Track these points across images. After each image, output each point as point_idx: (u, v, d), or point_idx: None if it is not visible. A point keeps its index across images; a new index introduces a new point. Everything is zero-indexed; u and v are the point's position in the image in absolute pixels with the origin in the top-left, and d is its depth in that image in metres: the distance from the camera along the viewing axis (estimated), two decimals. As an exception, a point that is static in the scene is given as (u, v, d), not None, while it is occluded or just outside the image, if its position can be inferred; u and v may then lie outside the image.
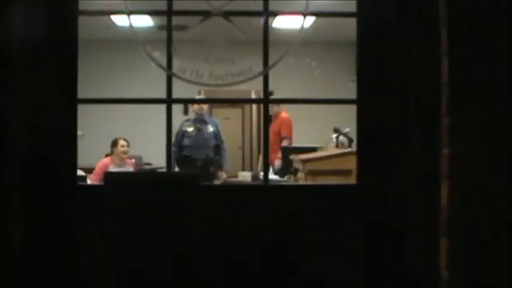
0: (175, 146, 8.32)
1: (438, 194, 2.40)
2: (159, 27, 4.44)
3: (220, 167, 8.58)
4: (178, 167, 8.31)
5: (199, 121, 8.58)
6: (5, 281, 2.48)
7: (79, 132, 2.66)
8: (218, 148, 8.54)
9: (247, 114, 15.59)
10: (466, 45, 2.37)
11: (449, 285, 2.34)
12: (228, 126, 15.27)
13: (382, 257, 2.63)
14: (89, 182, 6.85)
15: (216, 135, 8.62)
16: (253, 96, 11.42)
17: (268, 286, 2.67)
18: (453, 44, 2.37)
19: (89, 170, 7.65)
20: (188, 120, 8.72)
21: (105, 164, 7.77)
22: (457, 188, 2.33)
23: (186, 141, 8.42)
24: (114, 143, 7.85)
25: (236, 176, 8.55)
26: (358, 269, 2.66)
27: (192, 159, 8.30)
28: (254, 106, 15.03)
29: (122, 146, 7.81)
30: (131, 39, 2.71)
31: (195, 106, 8.57)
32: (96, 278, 2.64)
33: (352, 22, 2.72)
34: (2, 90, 2.47)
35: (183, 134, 8.48)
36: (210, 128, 8.61)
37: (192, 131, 8.48)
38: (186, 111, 10.94)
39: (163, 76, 2.74)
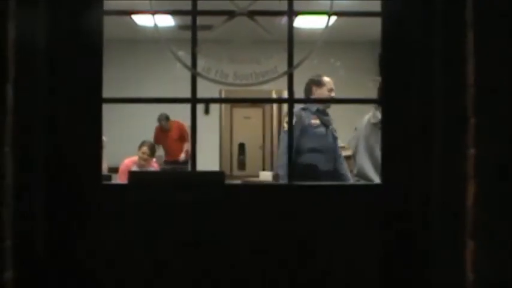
0: (288, 147, 4.71)
1: (464, 194, 2.39)
2: (180, 27, 4.45)
3: None
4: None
5: (324, 114, 5.55)
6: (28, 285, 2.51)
7: (104, 138, 2.67)
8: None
9: (268, 114, 15.55)
10: (492, 45, 2.36)
11: (475, 287, 2.32)
12: (249, 126, 15.27)
13: (404, 257, 2.62)
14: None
15: (336, 138, 5.68)
16: (274, 96, 11.40)
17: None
18: (479, 45, 2.36)
19: (113, 169, 7.77)
20: (305, 109, 5.50)
21: (127, 165, 7.85)
22: (483, 188, 2.32)
23: (311, 142, 5.31)
24: (140, 146, 7.95)
25: (257, 176, 8.52)
26: (376, 269, 2.66)
27: (319, 172, 5.22)
28: (275, 106, 15.01)
29: (143, 153, 7.90)
30: (154, 38, 2.72)
31: (322, 91, 5.40)
32: (117, 276, 2.66)
33: (374, 21, 2.72)
34: (26, 89, 2.49)
35: (305, 129, 5.36)
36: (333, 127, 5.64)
37: (319, 126, 5.42)
38: (207, 111, 10.99)
39: (186, 76, 2.75)
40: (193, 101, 2.73)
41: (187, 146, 10.07)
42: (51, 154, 2.58)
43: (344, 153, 5.80)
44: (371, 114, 4.35)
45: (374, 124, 4.20)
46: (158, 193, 2.65)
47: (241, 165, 7.98)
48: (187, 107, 2.75)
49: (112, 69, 3.54)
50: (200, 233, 2.65)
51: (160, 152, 9.67)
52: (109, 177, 6.58)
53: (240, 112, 14.87)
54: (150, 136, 9.47)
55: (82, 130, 2.62)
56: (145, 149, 7.93)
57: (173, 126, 10.40)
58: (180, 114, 9.22)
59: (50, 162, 2.58)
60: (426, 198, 2.58)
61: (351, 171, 5.06)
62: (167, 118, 10.27)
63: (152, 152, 8.02)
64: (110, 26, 2.80)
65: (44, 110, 2.56)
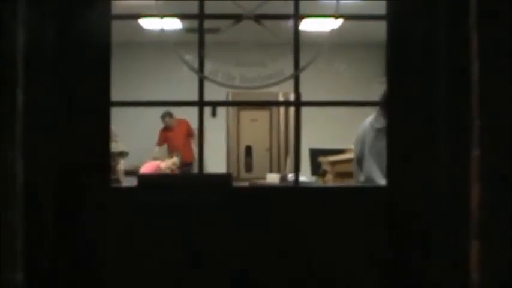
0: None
1: (468, 195, 2.40)
2: (187, 30, 4.45)
3: None
4: None
5: None
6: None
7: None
8: None
9: (275, 116, 15.57)
10: (496, 46, 2.37)
11: (480, 287, 2.34)
12: (256, 128, 15.28)
13: (409, 257, 2.63)
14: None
15: None
16: (281, 98, 11.40)
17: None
18: (483, 46, 2.37)
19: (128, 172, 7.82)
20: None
21: (152, 169, 7.83)
22: (487, 189, 2.33)
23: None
24: (170, 154, 8.01)
25: (264, 178, 8.52)
26: (381, 270, 2.68)
27: None
28: (282, 108, 15.02)
29: (173, 164, 7.92)
30: (160, 41, 2.74)
31: None
32: (125, 278, 2.69)
33: (381, 23, 2.73)
34: (35, 93, 2.52)
35: None
36: None
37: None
38: (214, 113, 11.00)
39: (192, 77, 2.77)
40: (201, 104, 2.75)
41: (193, 142, 10.05)
42: (61, 156, 2.60)
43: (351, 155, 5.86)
44: (372, 119, 4.29)
45: (378, 129, 4.15)
46: (167, 195, 2.67)
47: (249, 167, 7.98)
48: (194, 108, 2.78)
49: (119, 73, 3.54)
50: (208, 233, 2.67)
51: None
52: (117, 181, 6.60)
53: (247, 114, 14.89)
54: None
55: (91, 133, 2.65)
56: (176, 160, 7.95)
57: (178, 123, 10.38)
58: (188, 116, 9.27)
59: (58, 164, 2.60)
60: (433, 199, 2.60)
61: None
62: (170, 115, 10.29)
63: (180, 165, 8.06)
64: (117, 29, 2.82)
65: (54, 113, 2.59)
